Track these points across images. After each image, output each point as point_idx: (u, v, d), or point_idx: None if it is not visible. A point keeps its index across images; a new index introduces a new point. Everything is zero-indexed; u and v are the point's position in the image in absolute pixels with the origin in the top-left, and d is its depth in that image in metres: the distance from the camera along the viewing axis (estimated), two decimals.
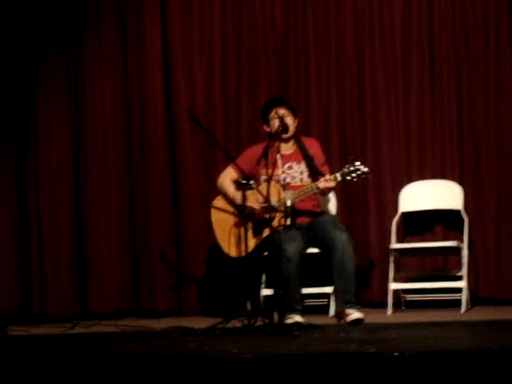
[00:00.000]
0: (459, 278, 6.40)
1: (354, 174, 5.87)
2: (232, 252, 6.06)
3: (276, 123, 6.10)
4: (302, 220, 6.06)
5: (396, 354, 3.81)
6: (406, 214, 6.79)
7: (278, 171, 6.13)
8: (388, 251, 6.52)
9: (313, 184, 5.98)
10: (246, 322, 5.35)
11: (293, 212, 5.61)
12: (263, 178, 6.07)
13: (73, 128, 7.25)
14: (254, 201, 5.92)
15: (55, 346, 5.08)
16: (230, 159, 6.09)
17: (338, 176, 5.89)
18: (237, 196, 5.93)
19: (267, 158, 5.72)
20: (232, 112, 7.14)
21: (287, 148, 6.23)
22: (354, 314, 5.76)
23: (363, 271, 6.73)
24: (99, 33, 7.27)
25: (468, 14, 6.85)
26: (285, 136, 6.14)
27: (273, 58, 7.11)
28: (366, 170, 5.89)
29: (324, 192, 6.06)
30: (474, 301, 6.62)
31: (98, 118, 7.23)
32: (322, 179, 5.93)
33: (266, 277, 6.55)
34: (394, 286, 6.47)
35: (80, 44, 7.28)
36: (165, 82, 7.20)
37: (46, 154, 7.24)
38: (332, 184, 5.91)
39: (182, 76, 7.18)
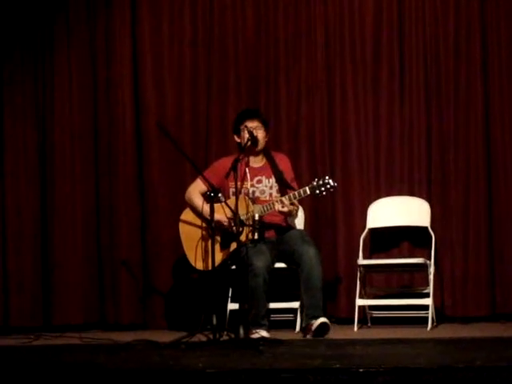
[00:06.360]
0: (426, 295, 6.41)
1: (322, 188, 5.87)
2: (199, 265, 6.03)
3: (246, 135, 6.08)
4: (271, 234, 6.04)
5: (361, 370, 3.80)
6: (373, 230, 6.79)
7: (247, 184, 6.12)
8: (355, 267, 6.52)
9: (272, 203, 5.97)
10: (211, 336, 5.32)
11: (261, 226, 5.59)
12: (232, 190, 6.05)
13: (39, 139, 7.15)
14: (222, 214, 5.90)
15: (18, 358, 5.02)
16: (198, 172, 6.06)
17: (308, 190, 5.89)
18: (205, 209, 5.91)
19: (236, 171, 5.69)
20: (201, 125, 7.11)
21: (256, 161, 6.22)
22: (320, 319, 5.73)
23: (330, 287, 6.71)
24: (68, 42, 7.17)
25: (439, 35, 6.88)
26: (254, 149, 6.13)
27: (243, 70, 7.10)
28: (334, 184, 5.89)
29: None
30: (440, 318, 6.63)
31: (65, 128, 7.13)
32: (278, 201, 5.91)
33: (233, 291, 6.52)
34: (360, 302, 6.46)
35: (48, 52, 7.18)
36: (134, 93, 7.15)
37: (12, 168, 7.14)
38: (285, 209, 5.89)
39: (152, 88, 7.14)
